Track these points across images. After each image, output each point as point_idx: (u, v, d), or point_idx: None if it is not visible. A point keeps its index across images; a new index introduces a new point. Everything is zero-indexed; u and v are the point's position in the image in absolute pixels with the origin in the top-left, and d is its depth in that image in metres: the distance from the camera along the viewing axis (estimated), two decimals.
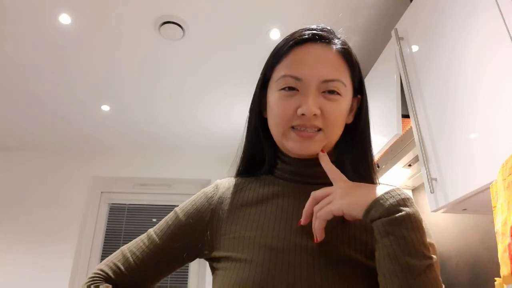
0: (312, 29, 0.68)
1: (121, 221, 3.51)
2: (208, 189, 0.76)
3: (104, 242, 3.40)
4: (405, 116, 1.71)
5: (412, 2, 1.69)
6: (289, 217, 0.64)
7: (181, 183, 3.71)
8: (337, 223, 0.63)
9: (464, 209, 1.41)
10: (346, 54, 0.70)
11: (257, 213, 0.67)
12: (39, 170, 3.56)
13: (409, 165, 2.00)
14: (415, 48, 1.64)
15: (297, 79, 0.64)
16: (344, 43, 0.71)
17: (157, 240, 0.71)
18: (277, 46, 0.70)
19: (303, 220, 0.61)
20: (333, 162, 0.67)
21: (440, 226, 2.05)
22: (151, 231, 0.74)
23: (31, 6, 2.05)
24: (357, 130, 0.75)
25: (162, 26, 2.19)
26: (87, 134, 3.34)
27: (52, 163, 3.60)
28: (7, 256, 3.19)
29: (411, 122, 1.62)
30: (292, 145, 0.66)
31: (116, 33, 2.25)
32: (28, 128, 3.24)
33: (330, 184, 0.63)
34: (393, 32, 1.76)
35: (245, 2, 2.07)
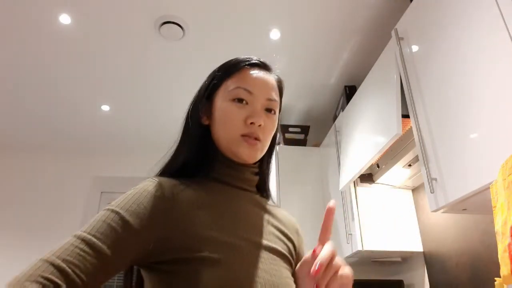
0: (258, 59, 0.82)
1: None
2: (152, 188, 0.67)
3: None
4: (405, 116, 1.71)
5: (412, 2, 1.69)
6: (242, 217, 0.71)
7: None
8: (266, 223, 0.74)
9: (464, 209, 1.41)
10: (280, 85, 0.83)
11: (213, 214, 0.68)
12: (39, 170, 3.56)
13: (409, 165, 2.00)
14: (415, 48, 1.64)
15: (249, 92, 0.75)
16: (278, 76, 0.84)
17: (106, 249, 0.57)
18: (227, 63, 0.82)
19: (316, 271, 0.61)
20: (256, 173, 0.80)
21: (440, 226, 2.05)
22: (85, 235, 0.58)
23: (31, 6, 2.05)
24: (272, 148, 0.85)
25: (162, 26, 2.19)
26: (87, 134, 3.34)
27: (52, 163, 3.60)
28: (7, 256, 3.19)
29: (411, 122, 1.62)
30: (242, 150, 0.73)
31: (116, 33, 2.25)
32: (28, 128, 3.24)
33: (254, 193, 0.79)
34: (393, 32, 1.76)
35: (245, 2, 2.07)
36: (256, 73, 0.78)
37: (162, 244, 0.62)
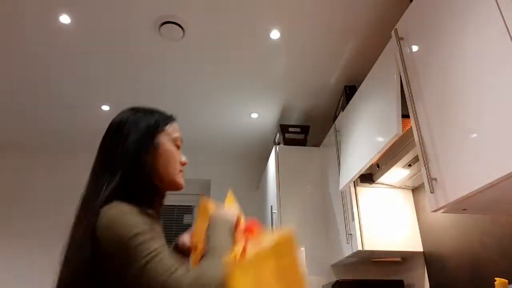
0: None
1: None
2: (128, 208, 0.80)
3: None
4: (405, 116, 1.71)
5: (412, 2, 1.69)
6: None
7: None
8: None
9: (464, 209, 1.41)
10: None
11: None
12: (39, 170, 3.56)
13: (409, 165, 2.00)
14: (415, 48, 1.64)
15: (181, 141, 0.99)
16: None
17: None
18: (164, 113, 1.02)
19: None
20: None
21: (440, 226, 2.05)
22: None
23: (31, 6, 2.05)
24: None
25: (162, 26, 2.19)
26: (87, 134, 3.34)
27: (52, 163, 3.60)
28: (7, 256, 3.19)
29: (411, 122, 1.62)
30: (181, 180, 0.96)
31: (116, 33, 2.25)
32: (28, 128, 3.24)
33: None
34: (393, 32, 1.76)
35: (245, 2, 2.07)
36: (177, 126, 1.02)
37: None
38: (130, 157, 0.88)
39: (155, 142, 0.92)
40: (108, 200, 0.80)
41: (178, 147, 0.97)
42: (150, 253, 0.71)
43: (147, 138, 0.92)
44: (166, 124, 0.97)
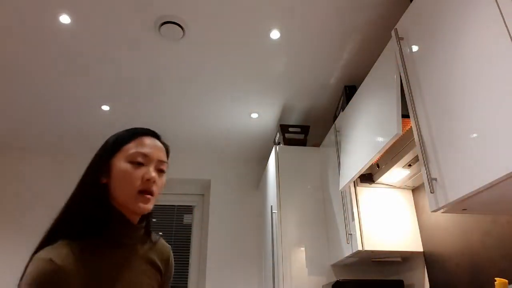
0: (147, 129, 0.96)
1: None
2: (48, 276, 0.75)
3: None
4: (405, 116, 1.71)
5: (412, 2, 1.69)
6: (129, 277, 0.85)
7: (181, 183, 3.72)
8: (144, 271, 0.91)
9: (464, 209, 1.41)
10: (167, 150, 0.98)
11: (99, 278, 0.80)
12: (39, 170, 3.57)
13: (409, 165, 2.00)
14: (415, 48, 1.64)
15: (144, 155, 0.88)
16: (165, 143, 0.98)
17: None
18: (125, 131, 0.94)
19: None
20: (143, 223, 0.93)
21: (440, 226, 2.05)
22: None
23: (31, 6, 2.05)
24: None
25: (162, 26, 2.19)
26: (87, 134, 3.34)
27: (52, 163, 3.60)
28: (7, 256, 3.19)
29: (411, 122, 1.62)
30: (139, 204, 0.86)
31: (116, 33, 2.25)
32: (28, 128, 3.24)
33: (138, 246, 0.91)
34: (393, 32, 1.76)
35: (245, 2, 2.07)
36: (149, 139, 0.92)
37: None
38: (82, 185, 0.89)
39: (109, 164, 0.88)
40: (44, 242, 0.81)
41: (139, 163, 0.88)
42: None
43: (100, 163, 0.89)
44: (126, 142, 0.90)
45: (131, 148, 0.89)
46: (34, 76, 2.60)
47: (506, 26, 1.14)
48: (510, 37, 1.13)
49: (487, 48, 1.22)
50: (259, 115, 3.13)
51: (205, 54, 2.43)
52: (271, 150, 3.05)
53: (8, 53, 2.39)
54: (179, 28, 2.21)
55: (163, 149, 0.96)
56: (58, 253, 0.77)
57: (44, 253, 0.77)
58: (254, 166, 3.83)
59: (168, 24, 2.18)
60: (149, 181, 0.86)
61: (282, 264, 2.50)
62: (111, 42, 2.32)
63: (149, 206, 0.88)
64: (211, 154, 3.73)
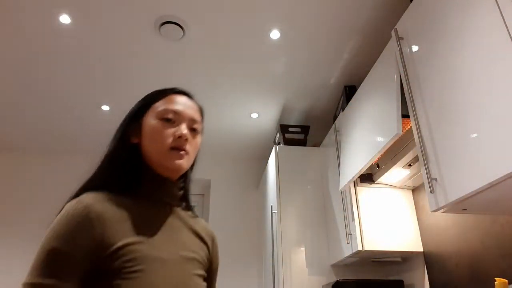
0: (182, 88, 0.94)
1: None
2: (74, 211, 0.72)
3: None
4: (405, 116, 1.71)
5: (412, 2, 1.69)
6: (166, 232, 0.79)
7: None
8: (186, 235, 0.84)
9: (464, 209, 1.41)
10: (201, 111, 0.95)
11: (137, 228, 0.75)
12: (39, 171, 3.56)
13: (409, 165, 2.00)
14: (415, 48, 1.64)
15: (175, 112, 0.85)
16: (199, 104, 0.95)
17: (55, 283, 0.65)
18: (154, 91, 0.92)
19: None
20: (180, 188, 0.89)
21: (440, 226, 2.05)
22: (33, 281, 0.66)
23: (31, 6, 2.05)
24: (193, 166, 0.95)
25: (162, 26, 2.19)
26: (87, 134, 3.34)
27: (52, 163, 3.60)
28: (7, 256, 3.19)
29: (411, 122, 1.62)
30: (171, 162, 0.81)
31: (116, 33, 2.25)
32: (28, 128, 3.24)
33: (178, 206, 0.88)
34: (393, 32, 1.76)
35: (245, 2, 2.07)
36: (181, 97, 0.90)
37: (93, 261, 0.67)
38: (113, 144, 0.85)
39: (140, 123, 0.85)
40: (78, 193, 0.78)
41: (170, 120, 0.84)
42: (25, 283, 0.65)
43: (130, 121, 0.87)
44: (156, 99, 0.88)
45: (161, 105, 0.86)
46: (34, 76, 2.60)
47: (506, 26, 1.14)
48: (510, 37, 1.13)
49: (487, 48, 1.22)
50: (259, 115, 3.13)
51: (205, 54, 2.43)
52: (271, 150, 3.05)
53: (8, 53, 2.39)
54: (179, 28, 2.21)
55: (197, 108, 0.91)
56: (95, 197, 0.74)
57: (81, 197, 0.74)
58: (254, 166, 3.83)
59: (168, 24, 2.18)
60: (181, 138, 0.82)
61: (282, 264, 2.50)
62: (111, 42, 2.32)
63: (184, 163, 0.83)
64: (211, 154, 3.73)
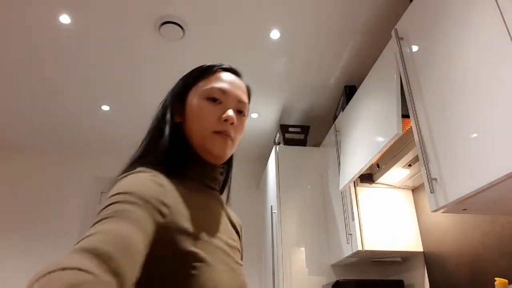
0: (229, 65, 0.84)
1: None
2: (147, 175, 0.64)
3: None
4: (405, 116, 1.71)
5: (412, 2, 1.69)
6: (216, 218, 0.74)
7: None
8: (228, 223, 0.79)
9: (464, 209, 1.41)
10: (249, 91, 0.86)
11: (196, 211, 0.68)
12: (39, 171, 3.57)
13: (409, 165, 2.00)
14: (415, 48, 1.64)
15: (222, 92, 0.77)
16: (247, 83, 0.86)
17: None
18: (201, 66, 0.84)
19: None
20: (221, 173, 0.82)
21: (440, 226, 2.05)
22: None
23: (31, 6, 2.05)
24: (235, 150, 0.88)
25: (162, 26, 2.19)
26: (87, 134, 3.34)
27: (52, 163, 3.60)
28: (7, 256, 3.19)
29: (411, 122, 1.62)
30: (215, 146, 0.74)
31: (116, 33, 2.25)
32: (28, 128, 3.24)
33: (218, 191, 0.82)
34: (393, 32, 1.76)
35: (245, 2, 2.07)
36: (229, 75, 0.81)
37: (159, 232, 0.58)
38: (155, 122, 0.79)
39: (183, 101, 0.79)
40: (128, 169, 0.70)
41: (216, 99, 0.76)
42: (91, 232, 0.50)
43: (173, 99, 0.80)
44: (202, 76, 0.80)
45: (207, 83, 0.78)
46: (34, 76, 2.60)
47: (506, 26, 1.14)
48: (510, 37, 1.13)
49: (487, 48, 1.22)
50: (259, 115, 3.13)
51: (205, 54, 2.43)
52: (271, 150, 3.05)
53: (8, 52, 2.39)
54: (179, 28, 2.21)
55: (244, 88, 0.83)
56: (159, 175, 0.66)
57: (140, 169, 0.65)
58: (254, 166, 3.83)
59: (168, 24, 2.18)
60: (227, 121, 0.74)
61: (282, 264, 2.50)
62: (111, 42, 2.32)
63: (227, 150, 0.76)
64: None
